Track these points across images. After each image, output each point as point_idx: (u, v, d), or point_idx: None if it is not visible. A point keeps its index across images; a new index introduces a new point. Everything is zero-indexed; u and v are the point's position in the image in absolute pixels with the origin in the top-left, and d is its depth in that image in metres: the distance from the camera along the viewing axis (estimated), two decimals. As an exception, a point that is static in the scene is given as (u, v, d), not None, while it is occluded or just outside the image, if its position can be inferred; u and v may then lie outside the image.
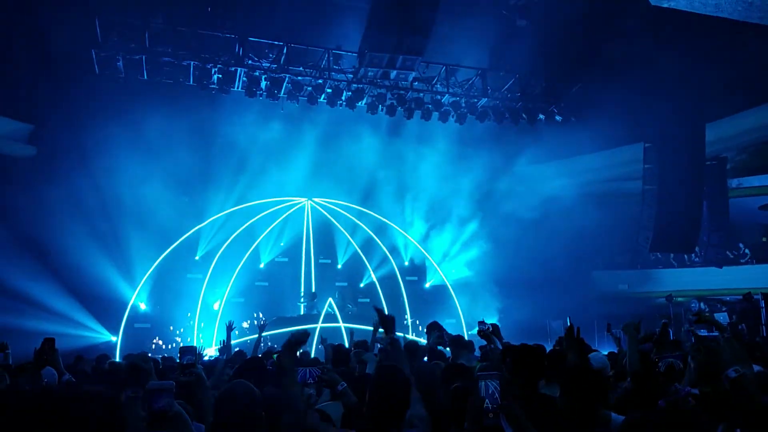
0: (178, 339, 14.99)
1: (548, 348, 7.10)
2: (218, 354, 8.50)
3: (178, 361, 6.68)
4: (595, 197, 17.75)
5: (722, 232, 17.90)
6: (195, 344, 14.06)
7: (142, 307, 15.17)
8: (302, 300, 15.99)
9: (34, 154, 14.19)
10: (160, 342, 15.05)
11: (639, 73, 14.89)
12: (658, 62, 14.56)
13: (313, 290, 16.03)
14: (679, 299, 17.93)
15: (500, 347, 6.89)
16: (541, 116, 15.93)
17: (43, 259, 13.00)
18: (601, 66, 14.91)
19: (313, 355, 10.16)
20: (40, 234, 12.97)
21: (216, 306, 15.65)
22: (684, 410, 3.60)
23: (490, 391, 3.24)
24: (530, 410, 3.24)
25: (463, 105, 15.12)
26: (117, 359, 11.24)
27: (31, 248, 12.86)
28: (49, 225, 13.03)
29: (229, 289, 15.60)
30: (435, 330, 7.55)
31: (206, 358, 10.57)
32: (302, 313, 15.60)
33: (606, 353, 8.22)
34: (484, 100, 15.23)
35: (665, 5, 14.19)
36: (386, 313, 4.14)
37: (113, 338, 14.34)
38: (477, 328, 7.53)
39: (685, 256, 18.65)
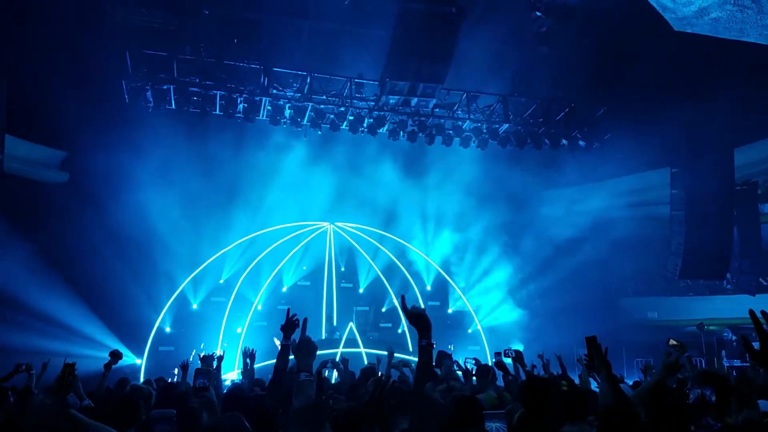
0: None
1: (575, 377, 6.97)
2: (241, 378, 8.57)
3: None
4: (624, 222, 17.49)
5: (754, 258, 17.37)
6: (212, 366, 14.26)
7: (167, 330, 15.42)
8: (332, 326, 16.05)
9: (66, 180, 14.70)
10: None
11: (664, 98, 14.73)
12: (683, 86, 14.39)
13: (334, 314, 16.08)
14: (711, 328, 17.42)
15: (523, 376, 6.79)
16: (564, 141, 15.83)
17: (72, 283, 13.36)
18: (624, 91, 14.81)
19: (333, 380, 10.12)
20: (70, 258, 13.36)
21: (239, 330, 15.81)
22: None
23: None
24: None
25: (485, 131, 15.15)
26: (141, 382, 11.40)
27: (62, 272, 13.24)
28: (80, 249, 13.42)
29: (252, 313, 15.76)
30: (446, 359, 7.49)
31: (227, 383, 10.64)
32: (323, 337, 15.63)
33: (631, 383, 8.05)
34: (506, 125, 15.23)
35: (689, 30, 14.06)
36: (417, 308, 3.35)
37: (138, 361, 14.59)
38: (496, 359, 7.40)
39: (717, 283, 18.15)
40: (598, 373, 3.76)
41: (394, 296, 17.12)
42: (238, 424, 3.08)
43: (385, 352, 7.81)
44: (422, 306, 3.40)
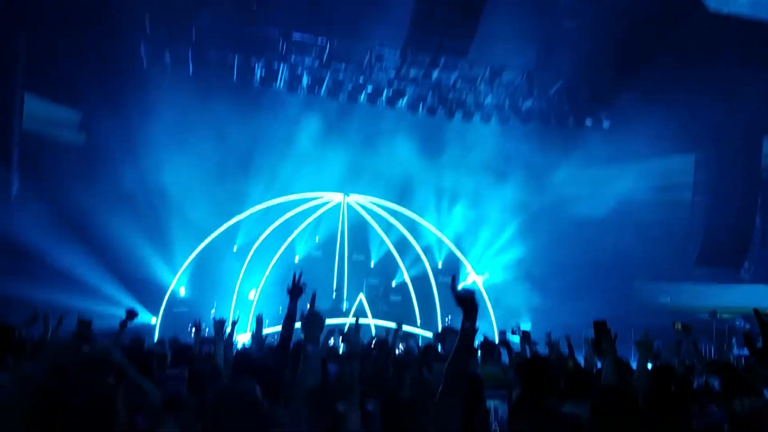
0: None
1: (581, 358, 6.94)
2: (251, 343, 8.72)
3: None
4: (644, 206, 17.22)
5: (776, 248, 17.07)
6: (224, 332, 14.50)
7: (182, 291, 15.69)
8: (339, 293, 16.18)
9: (84, 141, 14.81)
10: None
11: (692, 81, 14.32)
12: (712, 70, 13.95)
13: (345, 286, 16.20)
14: (724, 316, 17.21)
15: (528, 355, 6.81)
16: (588, 121, 15.54)
17: (90, 243, 13.57)
18: (652, 72, 14.42)
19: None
20: (87, 218, 13.54)
21: (251, 296, 16.02)
22: None
23: (498, 414, 3.12)
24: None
25: (507, 107, 14.89)
26: (155, 340, 11.65)
27: (80, 232, 13.44)
28: (97, 210, 13.58)
29: (264, 280, 15.93)
30: (451, 335, 7.48)
31: (239, 345, 10.82)
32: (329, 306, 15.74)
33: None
34: (529, 102, 14.96)
35: (725, 11, 13.54)
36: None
37: (153, 320, 14.89)
38: (501, 337, 7.37)
39: (734, 271, 17.89)
40: (604, 355, 3.82)
41: (404, 270, 17.16)
42: (249, 390, 2.99)
43: (394, 325, 7.87)
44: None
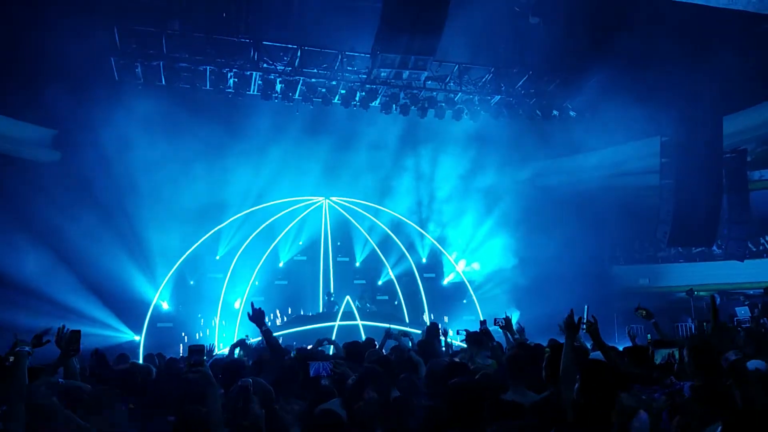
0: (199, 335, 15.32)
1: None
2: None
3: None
4: (614, 191, 17.66)
5: (743, 224, 17.66)
6: (215, 342, 14.44)
7: (165, 306, 15.52)
8: (329, 297, 16.22)
9: (58, 159, 14.59)
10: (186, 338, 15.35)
11: (654, 67, 14.77)
12: (673, 55, 14.43)
13: (331, 289, 16.24)
14: (701, 293, 17.74)
15: (512, 341, 7.04)
16: (555, 112, 15.88)
17: (67, 262, 13.37)
18: (615, 60, 14.81)
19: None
20: (64, 237, 13.34)
21: (237, 305, 15.95)
22: (680, 403, 3.65)
23: None
24: None
25: (477, 102, 15.14)
26: (140, 358, 11.55)
27: (56, 251, 13.23)
28: (74, 228, 13.39)
29: (249, 288, 15.88)
30: (437, 333, 7.73)
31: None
32: (321, 310, 15.80)
33: (621, 349, 8.26)
34: (498, 97, 15.24)
35: (683, -1, 13.98)
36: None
37: (136, 337, 14.71)
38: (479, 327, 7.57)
39: (707, 249, 18.47)
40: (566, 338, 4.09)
41: (390, 269, 17.28)
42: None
43: (382, 324, 8.02)
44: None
